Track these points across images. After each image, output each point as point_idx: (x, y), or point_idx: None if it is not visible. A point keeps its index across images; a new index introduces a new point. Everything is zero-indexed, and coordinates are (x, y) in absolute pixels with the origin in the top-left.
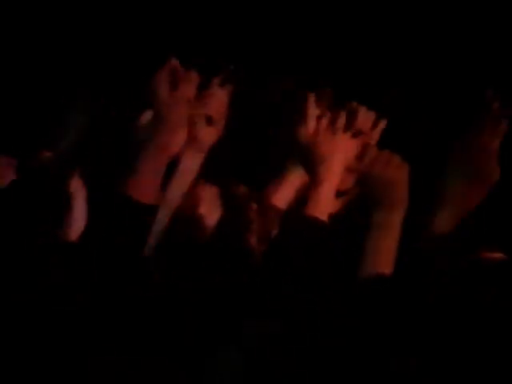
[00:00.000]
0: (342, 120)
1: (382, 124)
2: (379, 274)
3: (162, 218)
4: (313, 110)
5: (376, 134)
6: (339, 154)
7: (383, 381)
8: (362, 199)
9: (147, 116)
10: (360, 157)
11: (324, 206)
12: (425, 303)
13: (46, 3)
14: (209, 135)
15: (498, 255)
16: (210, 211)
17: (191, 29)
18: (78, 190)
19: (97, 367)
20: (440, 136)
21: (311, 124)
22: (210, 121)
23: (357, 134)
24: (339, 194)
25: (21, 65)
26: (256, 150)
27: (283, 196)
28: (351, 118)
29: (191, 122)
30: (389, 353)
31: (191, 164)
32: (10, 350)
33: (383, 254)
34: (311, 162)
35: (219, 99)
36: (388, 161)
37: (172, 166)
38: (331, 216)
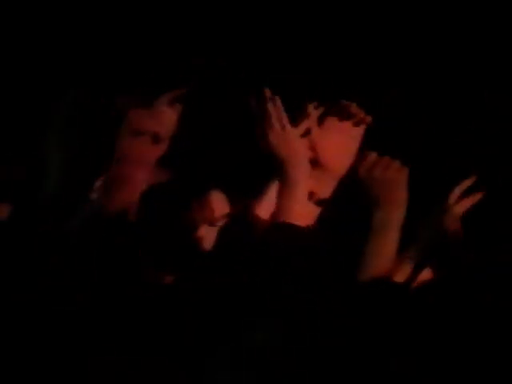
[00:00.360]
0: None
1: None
2: (379, 274)
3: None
4: (276, 113)
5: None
6: (303, 158)
7: (383, 381)
8: (360, 201)
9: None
10: (360, 161)
11: (298, 212)
12: (425, 303)
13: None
14: (153, 153)
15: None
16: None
17: (191, 28)
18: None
19: (97, 367)
20: (440, 136)
21: (275, 127)
22: (156, 138)
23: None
24: (320, 202)
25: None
26: (243, 159)
27: (266, 207)
28: (340, 112)
29: (136, 137)
30: (389, 353)
31: (136, 178)
32: (10, 349)
33: (383, 255)
34: (279, 167)
35: (168, 117)
36: (388, 164)
37: None
38: (311, 221)
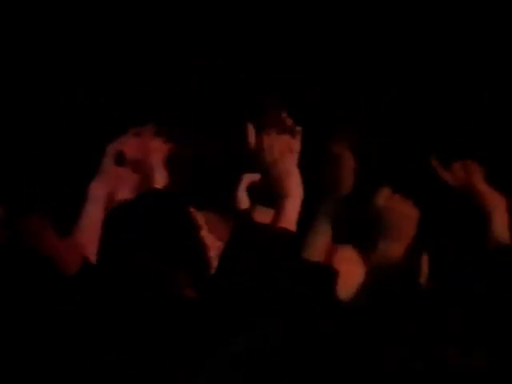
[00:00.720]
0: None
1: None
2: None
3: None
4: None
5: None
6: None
7: (383, 381)
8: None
9: None
10: (376, 195)
11: (293, 217)
12: (424, 304)
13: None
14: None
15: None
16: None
17: (191, 28)
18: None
19: (97, 367)
20: (440, 135)
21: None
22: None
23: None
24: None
25: None
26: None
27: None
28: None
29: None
30: (388, 352)
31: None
32: (10, 349)
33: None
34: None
35: (156, 151)
36: (405, 199)
37: None
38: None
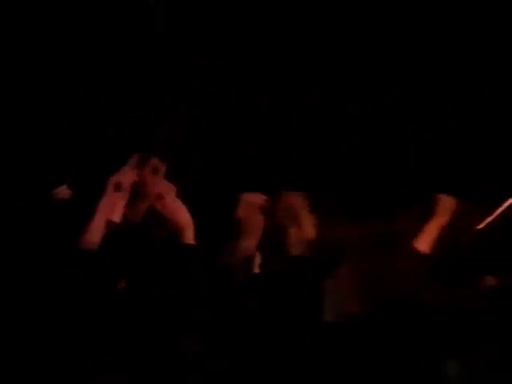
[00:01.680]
0: None
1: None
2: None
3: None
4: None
5: None
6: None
7: (384, 381)
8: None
9: None
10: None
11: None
12: (422, 304)
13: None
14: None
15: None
16: None
17: (191, 28)
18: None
19: (97, 367)
20: (440, 135)
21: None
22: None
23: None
24: None
25: None
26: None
27: None
28: None
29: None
30: (390, 353)
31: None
32: (11, 349)
33: None
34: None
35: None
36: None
37: None
38: None
